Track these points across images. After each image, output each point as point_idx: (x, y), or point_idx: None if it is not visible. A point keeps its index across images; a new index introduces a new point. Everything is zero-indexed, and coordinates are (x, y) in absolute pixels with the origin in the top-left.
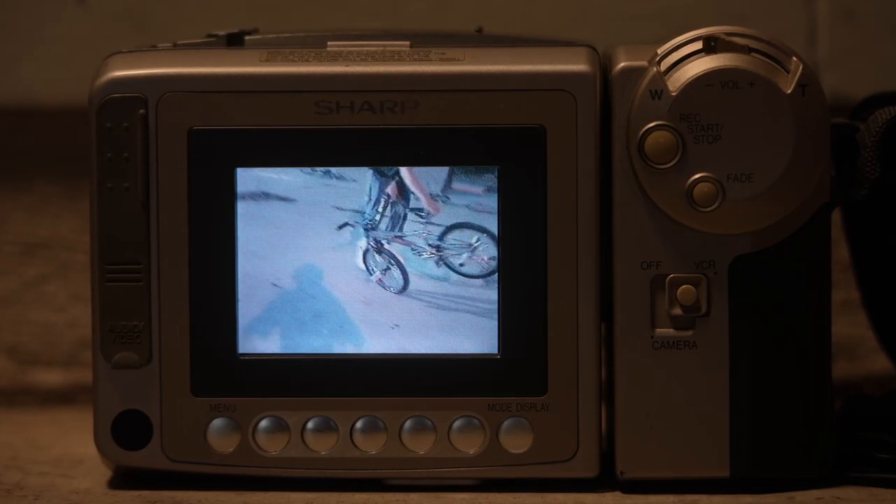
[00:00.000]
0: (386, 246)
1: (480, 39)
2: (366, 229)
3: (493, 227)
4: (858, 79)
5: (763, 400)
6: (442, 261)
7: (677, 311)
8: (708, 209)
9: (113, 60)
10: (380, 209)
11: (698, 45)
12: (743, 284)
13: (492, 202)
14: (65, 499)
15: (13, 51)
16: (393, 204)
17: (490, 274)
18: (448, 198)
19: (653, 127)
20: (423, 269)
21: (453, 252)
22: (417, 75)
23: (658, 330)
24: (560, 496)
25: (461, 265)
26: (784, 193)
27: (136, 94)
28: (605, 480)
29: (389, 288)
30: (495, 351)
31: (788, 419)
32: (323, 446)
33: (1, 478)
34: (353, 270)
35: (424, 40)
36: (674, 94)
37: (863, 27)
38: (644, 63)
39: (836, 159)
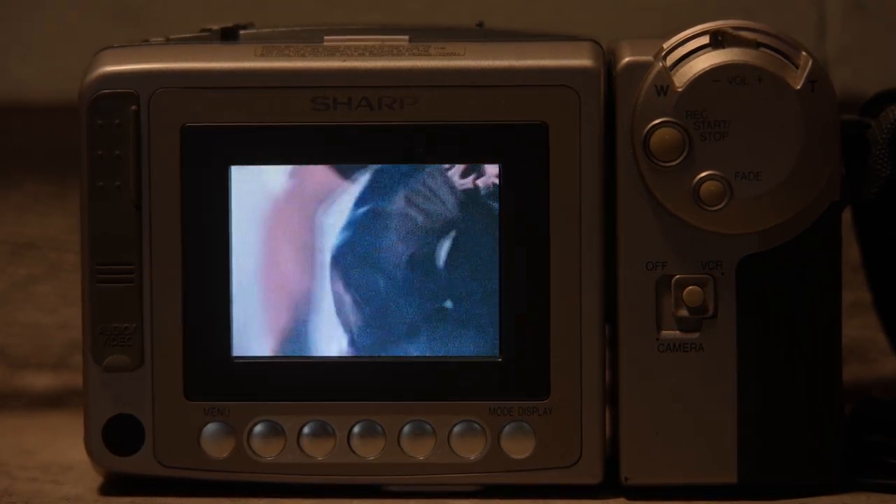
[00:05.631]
0: (385, 246)
1: (481, 34)
2: (364, 229)
3: (495, 225)
4: (869, 74)
5: (771, 404)
6: (442, 261)
7: (683, 312)
8: (715, 208)
9: (104, 55)
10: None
11: (705, 40)
12: (751, 285)
13: (493, 201)
14: None
15: (1, 45)
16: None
17: (491, 274)
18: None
19: (658, 124)
20: (422, 270)
21: (454, 251)
22: (417, 71)
23: (663, 332)
24: (563, 502)
25: (462, 265)
26: (793, 192)
27: (128, 91)
28: (610, 487)
29: (388, 289)
30: (496, 354)
31: (797, 423)
32: (320, 451)
33: None
34: (351, 271)
35: (424, 35)
36: (680, 89)
37: (874, 21)
38: (649, 58)
39: (846, 157)
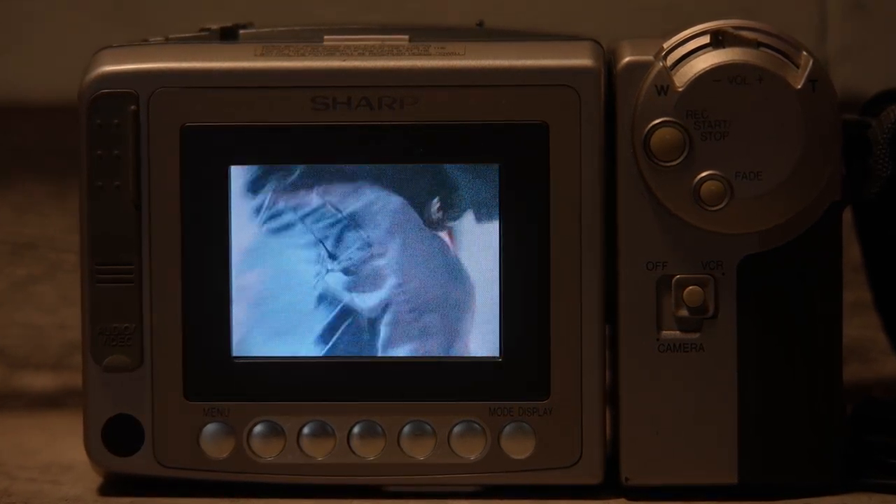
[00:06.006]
0: (385, 245)
1: (481, 34)
2: (364, 228)
3: (495, 226)
4: (870, 74)
5: (772, 404)
6: (442, 261)
7: (683, 312)
8: (715, 208)
9: (103, 55)
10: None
11: (705, 40)
12: (751, 285)
13: (493, 200)
14: None
15: (1, 45)
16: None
17: (491, 274)
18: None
19: (658, 123)
20: (422, 270)
21: (454, 251)
22: (416, 70)
23: (664, 332)
24: (563, 503)
25: (462, 265)
26: (793, 192)
27: (128, 90)
28: (610, 487)
29: (388, 288)
30: (497, 354)
31: (798, 424)
32: (319, 452)
33: None
34: (351, 270)
35: (424, 34)
36: (680, 89)
37: (874, 20)
38: (650, 58)
39: (846, 157)
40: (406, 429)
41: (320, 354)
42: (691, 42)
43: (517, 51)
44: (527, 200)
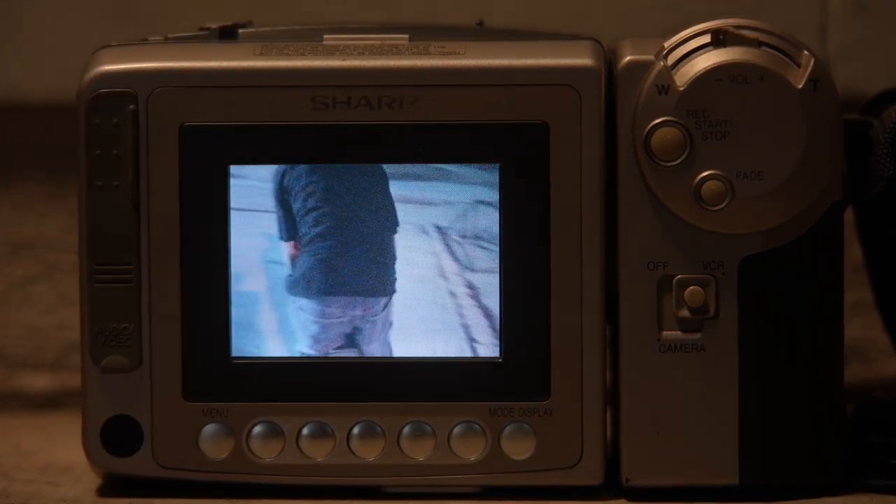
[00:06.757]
0: (386, 245)
1: (481, 33)
2: (363, 227)
3: (495, 226)
4: (871, 73)
5: (773, 404)
6: (442, 261)
7: (684, 312)
8: (716, 208)
9: (102, 55)
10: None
11: (706, 39)
12: (752, 285)
13: (493, 200)
14: None
15: (0, 45)
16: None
17: (492, 275)
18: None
19: (659, 123)
20: (422, 271)
21: (454, 252)
22: (416, 70)
23: (665, 332)
24: None
25: (462, 265)
26: (795, 191)
27: (126, 90)
28: (610, 488)
29: (387, 288)
30: (497, 354)
31: (799, 424)
32: (319, 452)
33: None
34: (351, 270)
35: (424, 34)
36: (681, 89)
37: (876, 20)
38: (650, 57)
39: (848, 156)
40: (406, 429)
41: (320, 354)
42: (692, 41)
43: (517, 50)
44: (527, 200)
